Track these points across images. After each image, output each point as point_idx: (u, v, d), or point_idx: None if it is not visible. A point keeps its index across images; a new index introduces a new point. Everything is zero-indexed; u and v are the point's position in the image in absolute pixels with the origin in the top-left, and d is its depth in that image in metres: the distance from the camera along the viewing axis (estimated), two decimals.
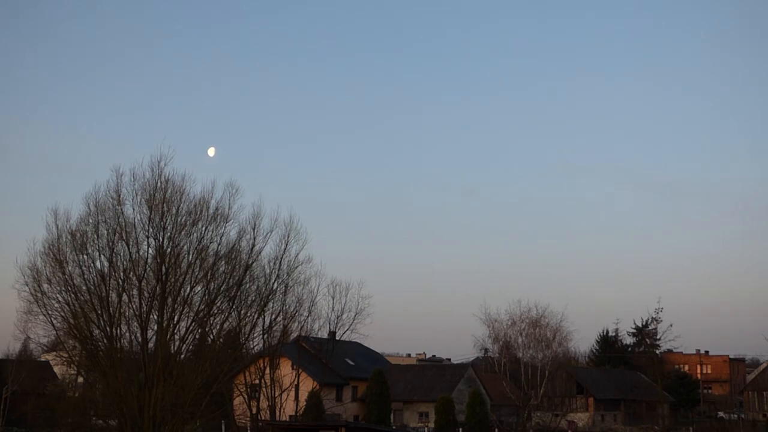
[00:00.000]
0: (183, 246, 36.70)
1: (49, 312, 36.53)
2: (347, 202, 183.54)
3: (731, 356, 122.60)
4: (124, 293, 36.15)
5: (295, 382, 62.79)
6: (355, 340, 73.26)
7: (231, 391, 57.06)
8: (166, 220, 36.29)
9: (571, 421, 78.31)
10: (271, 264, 48.36)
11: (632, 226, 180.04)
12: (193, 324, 37.35)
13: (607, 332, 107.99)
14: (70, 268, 36.09)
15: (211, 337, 40.30)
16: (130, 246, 36.08)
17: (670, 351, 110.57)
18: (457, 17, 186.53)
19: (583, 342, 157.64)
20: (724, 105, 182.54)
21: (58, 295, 36.37)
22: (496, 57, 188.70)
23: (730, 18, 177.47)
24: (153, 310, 36.07)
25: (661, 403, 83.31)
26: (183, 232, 36.67)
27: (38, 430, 54.42)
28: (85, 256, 36.23)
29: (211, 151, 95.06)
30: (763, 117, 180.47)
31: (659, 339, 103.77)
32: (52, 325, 37.26)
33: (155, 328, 36.11)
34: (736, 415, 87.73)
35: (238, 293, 39.96)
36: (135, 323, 36.18)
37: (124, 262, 36.09)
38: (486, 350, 78.98)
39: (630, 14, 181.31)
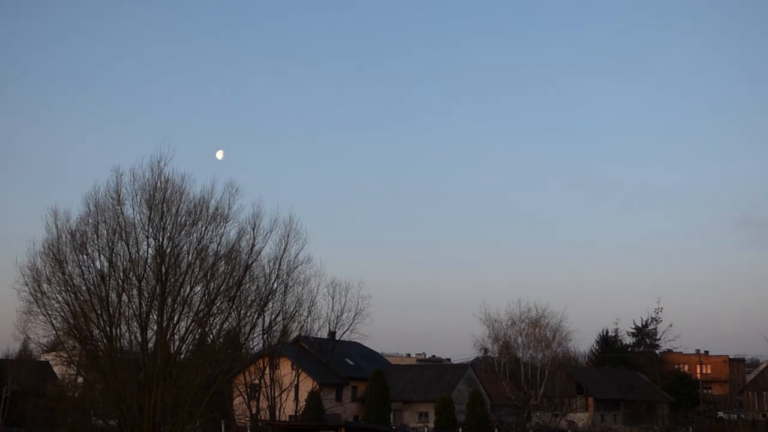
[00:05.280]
0: (183, 246, 36.83)
1: (49, 312, 36.65)
2: (347, 203, 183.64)
3: (731, 356, 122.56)
4: (124, 293, 36.24)
5: (295, 382, 62.82)
6: (354, 340, 73.34)
7: (231, 391, 57.03)
8: (166, 220, 36.38)
9: (571, 421, 78.33)
10: (271, 264, 48.50)
11: (632, 226, 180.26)
12: (192, 324, 37.42)
13: (607, 332, 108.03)
14: (69, 268, 36.20)
15: (211, 337, 40.36)
16: (130, 246, 36.20)
17: (669, 351, 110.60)
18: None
19: (582, 342, 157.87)
20: (718, 102, 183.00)
21: (57, 295, 36.49)
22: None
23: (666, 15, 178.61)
24: (153, 310, 36.15)
25: (661, 403, 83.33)
26: (183, 232, 36.79)
27: (38, 430, 54.41)
28: (84, 256, 36.34)
29: (219, 154, 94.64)
30: (759, 115, 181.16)
31: (659, 339, 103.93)
32: (52, 325, 37.35)
33: (155, 328, 36.20)
34: (735, 415, 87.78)
35: (238, 293, 40.03)
36: (135, 323, 36.28)
37: (124, 262, 36.20)
38: (486, 350, 79.03)
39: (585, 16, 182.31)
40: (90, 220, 36.71)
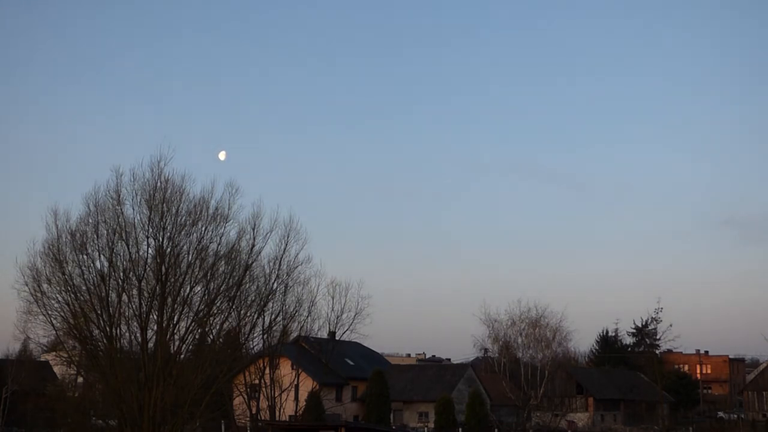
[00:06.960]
0: (183, 246, 36.84)
1: (49, 312, 36.65)
2: (347, 202, 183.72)
3: (731, 356, 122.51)
4: (124, 293, 36.24)
5: (295, 382, 62.82)
6: (354, 340, 73.33)
7: (231, 391, 57.05)
8: (166, 220, 36.39)
9: (571, 421, 78.31)
10: (271, 264, 48.50)
11: (632, 226, 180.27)
12: (192, 324, 37.42)
13: (607, 332, 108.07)
14: (69, 268, 36.19)
15: (211, 337, 40.35)
16: (130, 246, 36.20)
17: (669, 351, 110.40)
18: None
19: (583, 342, 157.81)
20: (720, 99, 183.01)
21: (57, 295, 36.48)
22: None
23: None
24: (153, 310, 36.15)
25: (661, 403, 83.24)
26: (183, 232, 36.80)
27: (38, 430, 54.42)
28: (84, 256, 36.35)
29: (221, 155, 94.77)
30: (754, 115, 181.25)
31: (659, 339, 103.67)
32: (52, 325, 37.35)
33: (155, 328, 36.19)
34: (735, 415, 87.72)
35: (238, 293, 40.05)
36: (135, 323, 36.28)
37: (124, 262, 36.20)
38: (486, 350, 78.96)
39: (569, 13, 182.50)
40: (90, 220, 36.76)
